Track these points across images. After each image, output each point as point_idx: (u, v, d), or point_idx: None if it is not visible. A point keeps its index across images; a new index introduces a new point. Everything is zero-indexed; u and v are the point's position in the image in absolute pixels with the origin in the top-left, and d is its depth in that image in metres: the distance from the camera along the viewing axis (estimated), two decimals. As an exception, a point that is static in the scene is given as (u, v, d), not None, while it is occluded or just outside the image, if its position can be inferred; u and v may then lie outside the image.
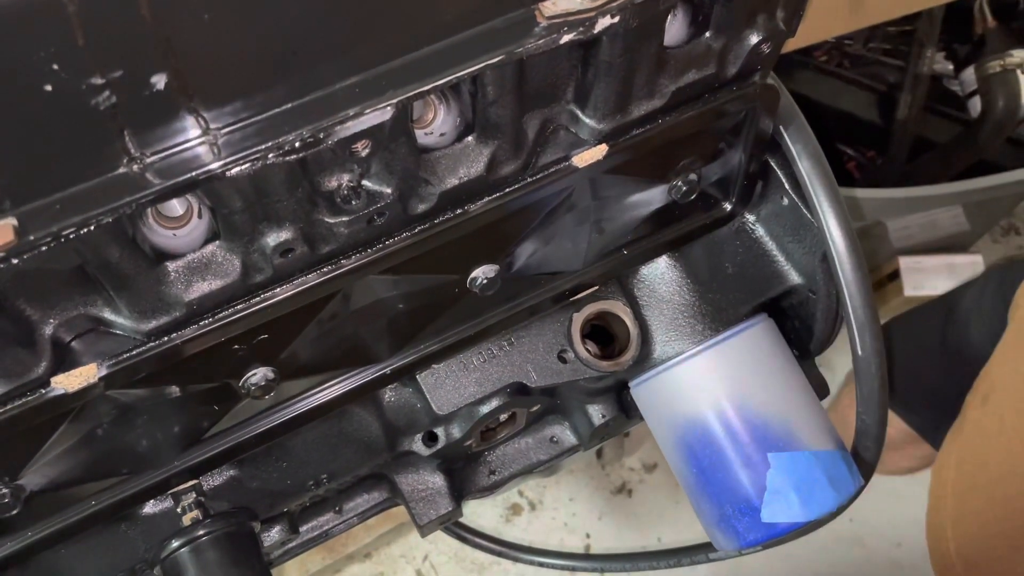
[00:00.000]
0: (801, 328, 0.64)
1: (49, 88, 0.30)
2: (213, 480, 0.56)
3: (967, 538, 0.84)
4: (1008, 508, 0.79)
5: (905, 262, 1.46)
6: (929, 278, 1.47)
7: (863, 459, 0.60)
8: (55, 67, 0.29)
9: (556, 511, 1.51)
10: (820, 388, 0.64)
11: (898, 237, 1.46)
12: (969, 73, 1.33)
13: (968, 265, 1.46)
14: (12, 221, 0.33)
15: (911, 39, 1.38)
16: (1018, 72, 1.25)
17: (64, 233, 0.33)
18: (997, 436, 0.82)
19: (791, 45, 0.49)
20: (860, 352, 0.55)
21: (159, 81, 0.32)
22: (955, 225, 1.47)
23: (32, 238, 0.33)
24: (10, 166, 0.32)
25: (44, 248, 0.33)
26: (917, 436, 1.23)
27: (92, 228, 0.34)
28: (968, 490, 0.85)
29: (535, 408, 0.64)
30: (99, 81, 0.30)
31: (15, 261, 0.33)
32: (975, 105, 1.33)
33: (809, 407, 0.60)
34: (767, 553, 0.63)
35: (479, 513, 1.49)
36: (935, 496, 0.89)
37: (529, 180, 0.46)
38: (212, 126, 0.35)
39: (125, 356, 0.41)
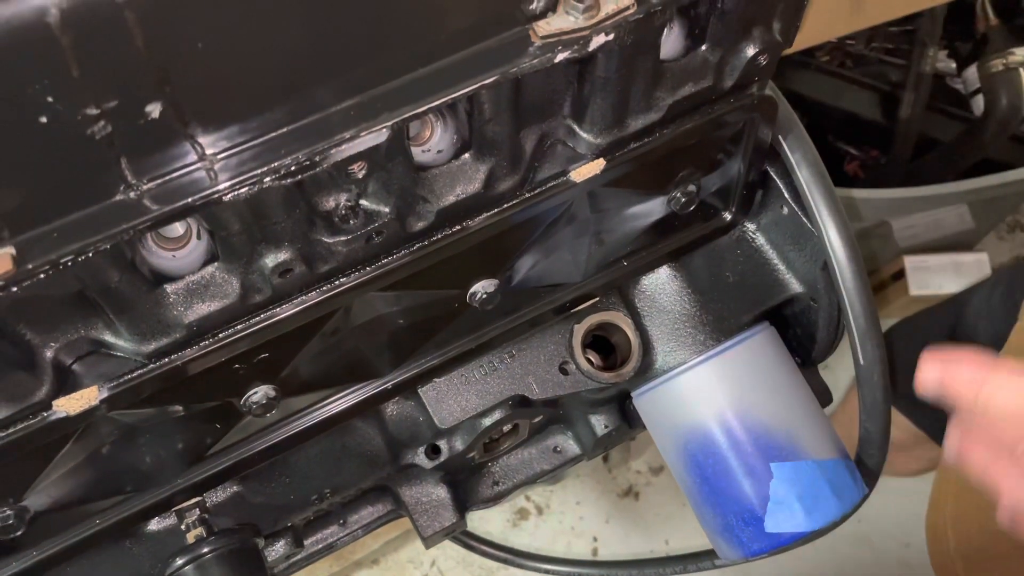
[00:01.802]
0: (803, 336, 0.63)
1: (44, 119, 0.30)
2: (217, 497, 0.56)
3: (967, 537, 0.83)
4: None
5: (910, 261, 1.46)
6: (934, 277, 1.46)
7: (867, 467, 0.60)
8: (50, 99, 0.29)
9: (563, 515, 1.51)
10: (823, 396, 0.64)
11: (903, 236, 1.45)
12: (972, 72, 1.32)
13: (974, 263, 1.46)
14: (10, 250, 0.33)
15: (913, 38, 1.37)
16: (1021, 70, 1.24)
17: (62, 261, 0.33)
18: None
19: (793, 46, 0.49)
20: (862, 361, 0.55)
21: (154, 110, 0.32)
22: (960, 224, 1.46)
23: (31, 266, 0.33)
24: (8, 195, 0.32)
25: (43, 276, 0.34)
26: (926, 438, 1.22)
27: (90, 255, 0.34)
28: (969, 488, 0.85)
29: (537, 419, 0.64)
30: (94, 111, 0.31)
31: (14, 289, 0.34)
32: (978, 103, 1.33)
33: (812, 415, 0.60)
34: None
35: (486, 518, 1.49)
36: (937, 494, 0.89)
37: (527, 195, 0.46)
38: (208, 152, 0.35)
39: (126, 378, 0.42)
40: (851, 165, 1.52)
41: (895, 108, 1.39)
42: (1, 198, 0.32)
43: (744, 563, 0.64)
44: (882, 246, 1.48)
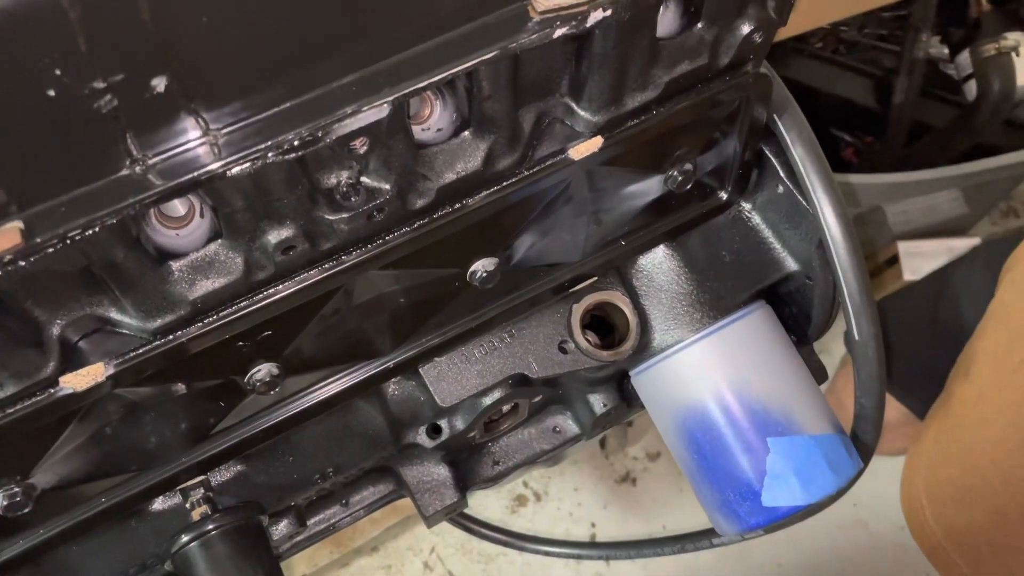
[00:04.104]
0: (799, 314, 0.64)
1: (52, 93, 0.30)
2: (221, 476, 0.57)
3: (942, 506, 0.85)
4: (981, 475, 0.80)
5: (904, 247, 1.47)
6: (928, 262, 1.47)
7: (862, 442, 0.61)
8: (58, 72, 0.30)
9: (561, 501, 1.52)
10: (818, 373, 0.65)
11: (897, 222, 1.46)
12: (964, 57, 1.33)
13: (967, 248, 1.47)
14: (19, 224, 0.33)
15: (906, 24, 1.38)
16: (1013, 55, 1.25)
17: (70, 235, 0.34)
18: (974, 407, 0.83)
19: (786, 32, 0.50)
20: (857, 337, 0.56)
21: (159, 84, 0.32)
22: (953, 209, 1.47)
23: (39, 240, 0.34)
24: (16, 170, 0.33)
25: (51, 250, 0.34)
26: (912, 416, 1.23)
27: (97, 229, 0.34)
28: (941, 459, 0.86)
29: (537, 399, 0.64)
30: (101, 85, 0.31)
31: (22, 263, 0.34)
32: (971, 89, 1.34)
33: (808, 392, 0.60)
34: (773, 539, 0.64)
35: (485, 505, 1.50)
36: (909, 467, 0.91)
37: (526, 173, 0.47)
38: (212, 127, 0.35)
39: (131, 355, 0.42)
40: (845, 151, 1.53)
41: (888, 94, 1.40)
42: (9, 172, 0.32)
43: (740, 542, 0.65)
44: (876, 231, 1.48)
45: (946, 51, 1.41)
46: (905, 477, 0.90)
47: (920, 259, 1.47)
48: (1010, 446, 0.77)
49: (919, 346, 1.17)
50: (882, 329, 0.57)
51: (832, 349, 1.45)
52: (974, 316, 0.99)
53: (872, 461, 0.63)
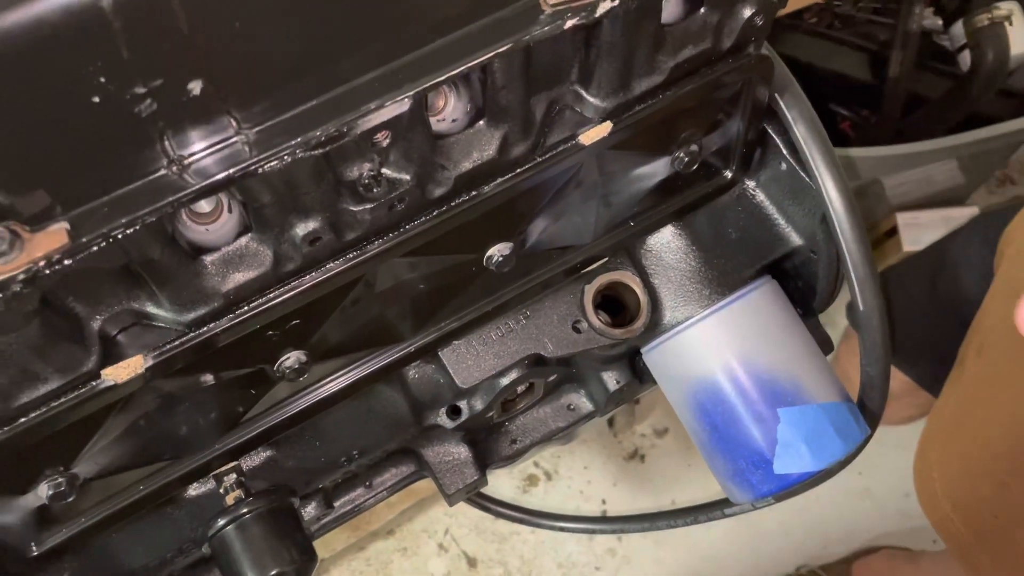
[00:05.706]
0: (804, 287, 0.66)
1: (97, 100, 0.32)
2: (252, 461, 0.59)
3: (952, 479, 0.87)
4: (991, 449, 0.82)
5: (902, 218, 1.48)
6: (927, 232, 1.49)
7: (869, 409, 0.63)
8: (102, 80, 0.31)
9: (572, 479, 1.54)
10: (824, 344, 0.66)
11: (895, 194, 1.48)
12: (958, 27, 1.34)
13: (965, 217, 1.48)
14: (65, 225, 0.35)
15: (900, -4, 1.39)
16: (1006, 24, 1.26)
17: (113, 234, 0.36)
18: (988, 383, 0.85)
19: (782, 9, 0.51)
20: (862, 307, 0.57)
21: (195, 87, 0.34)
22: (950, 179, 1.49)
23: (84, 240, 0.35)
24: (60, 174, 0.34)
25: (95, 249, 0.36)
26: (915, 386, 1.26)
27: (138, 228, 0.36)
28: (954, 433, 0.88)
29: (552, 378, 0.66)
30: (142, 90, 0.33)
31: (69, 262, 0.36)
32: (965, 59, 1.35)
33: (815, 363, 0.62)
34: (780, 508, 0.66)
35: (497, 485, 1.53)
36: (924, 441, 0.93)
37: (539, 160, 0.49)
38: (244, 126, 0.37)
39: (168, 347, 0.44)
40: (842, 125, 1.54)
41: (884, 67, 1.41)
42: (54, 176, 0.34)
43: (752, 510, 0.67)
44: (875, 204, 1.50)
45: (940, 22, 1.42)
46: (920, 450, 0.92)
47: (919, 229, 1.48)
48: (1022, 419, 0.79)
49: (920, 317, 1.20)
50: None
51: (837, 321, 1.47)
52: (972, 287, 1.01)
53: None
